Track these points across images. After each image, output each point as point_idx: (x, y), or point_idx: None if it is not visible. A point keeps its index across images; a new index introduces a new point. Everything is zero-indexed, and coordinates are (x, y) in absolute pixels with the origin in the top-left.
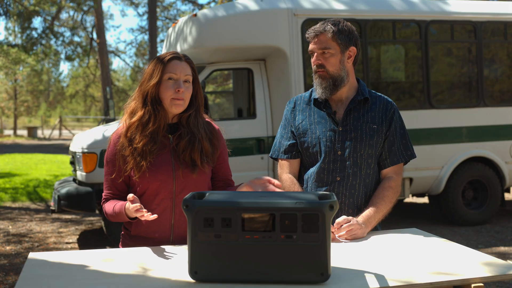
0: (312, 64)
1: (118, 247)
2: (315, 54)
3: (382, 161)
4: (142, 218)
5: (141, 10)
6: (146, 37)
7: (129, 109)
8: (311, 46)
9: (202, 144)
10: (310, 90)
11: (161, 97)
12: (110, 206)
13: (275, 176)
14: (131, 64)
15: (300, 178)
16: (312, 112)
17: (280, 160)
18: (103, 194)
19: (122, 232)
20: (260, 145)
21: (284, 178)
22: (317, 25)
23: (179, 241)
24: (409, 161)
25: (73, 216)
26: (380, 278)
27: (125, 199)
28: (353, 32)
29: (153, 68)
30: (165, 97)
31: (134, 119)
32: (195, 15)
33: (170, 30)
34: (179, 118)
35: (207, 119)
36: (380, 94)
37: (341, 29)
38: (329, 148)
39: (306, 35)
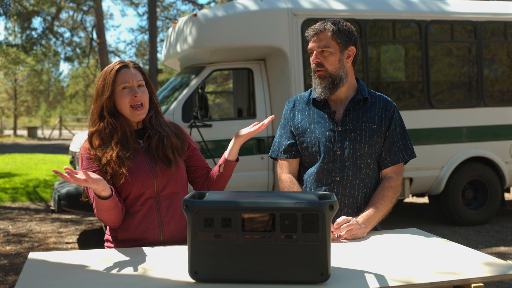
0: (311, 62)
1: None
2: (314, 52)
3: (382, 161)
4: (85, 184)
5: (141, 10)
6: (146, 37)
7: (89, 127)
8: (310, 45)
9: (170, 140)
10: (310, 90)
11: (119, 108)
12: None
13: (275, 176)
14: None
15: (299, 178)
16: (311, 112)
17: (279, 160)
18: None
19: (107, 238)
20: (260, 145)
21: (284, 178)
22: (317, 24)
23: (169, 239)
24: (409, 160)
25: (73, 216)
26: (380, 278)
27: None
28: (353, 32)
29: (103, 82)
30: (123, 106)
31: (94, 129)
32: (195, 15)
33: (170, 30)
34: (143, 122)
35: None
36: (379, 93)
37: (340, 28)
38: (328, 148)
39: (306, 34)
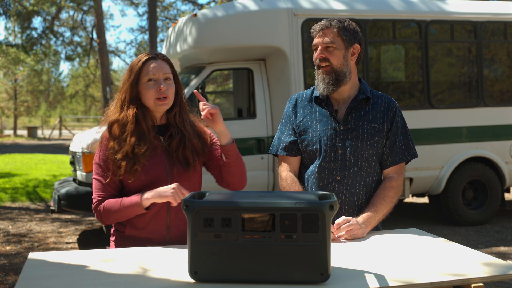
0: (315, 58)
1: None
2: (319, 48)
3: (384, 161)
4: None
5: (141, 10)
6: (146, 37)
7: (110, 114)
8: (315, 40)
9: (191, 141)
10: (312, 88)
11: (143, 100)
12: (113, 203)
13: (275, 176)
14: None
15: (300, 177)
16: (313, 110)
17: (279, 157)
18: (94, 196)
19: (113, 234)
20: (260, 145)
21: (285, 176)
22: (323, 21)
23: (176, 241)
24: (411, 160)
25: (73, 216)
26: (380, 278)
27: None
28: (358, 31)
29: (130, 73)
30: (148, 98)
31: (114, 119)
32: (195, 15)
33: (170, 30)
34: (167, 118)
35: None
36: (382, 93)
37: (346, 26)
38: (329, 146)
39: (312, 30)
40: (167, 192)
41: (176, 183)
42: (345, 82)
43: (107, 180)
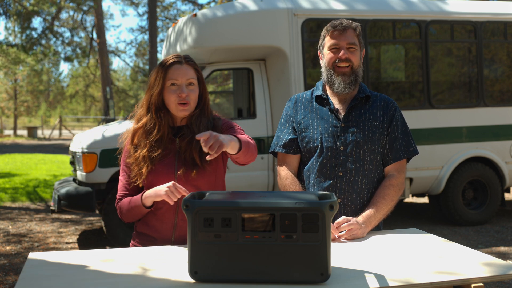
0: (334, 58)
1: (119, 246)
2: (342, 49)
3: (385, 159)
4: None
5: (141, 10)
6: (146, 37)
7: (137, 116)
8: (335, 41)
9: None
10: (311, 89)
11: (166, 103)
12: (125, 202)
13: (275, 176)
14: (131, 64)
15: (299, 175)
16: (314, 109)
17: (279, 154)
18: (117, 195)
19: (134, 229)
20: (260, 145)
21: (284, 175)
22: (343, 21)
23: (180, 241)
24: (412, 157)
25: (73, 216)
26: (380, 278)
27: None
28: None
29: (156, 75)
30: (170, 102)
31: (139, 125)
32: (195, 15)
33: (170, 30)
34: (187, 120)
35: (216, 115)
36: (380, 93)
37: (361, 30)
38: (331, 143)
39: (331, 28)
40: (161, 191)
41: (173, 182)
42: (359, 82)
43: (126, 180)
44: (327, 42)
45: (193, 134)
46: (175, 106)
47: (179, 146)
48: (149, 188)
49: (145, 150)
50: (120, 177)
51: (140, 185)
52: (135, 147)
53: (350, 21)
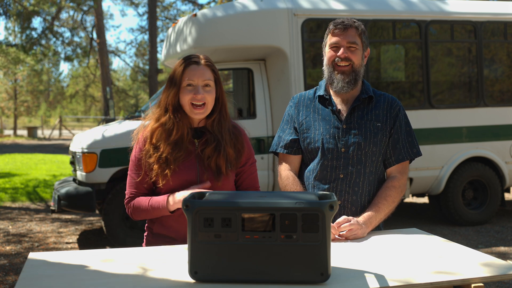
0: (333, 56)
1: (119, 246)
2: (342, 47)
3: (387, 159)
4: None
5: (141, 10)
6: (146, 37)
7: (155, 114)
8: (336, 39)
9: (227, 150)
10: (314, 88)
11: (182, 103)
12: (142, 202)
13: (275, 176)
14: (131, 64)
15: (300, 176)
16: (316, 109)
17: (280, 155)
18: (127, 192)
19: (146, 229)
20: (260, 145)
21: (285, 175)
22: (344, 19)
23: None
24: (415, 159)
25: (73, 216)
26: (380, 278)
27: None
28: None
29: (173, 75)
30: (185, 103)
31: (157, 124)
32: (195, 15)
33: (170, 30)
34: (206, 122)
35: (233, 122)
36: (384, 92)
37: (364, 29)
38: (332, 144)
39: (333, 27)
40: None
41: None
42: (359, 82)
43: (139, 178)
44: (328, 40)
45: (217, 141)
46: (189, 107)
47: (202, 150)
48: (167, 189)
49: (167, 151)
50: (131, 174)
51: (160, 185)
52: (155, 147)
53: (354, 20)
